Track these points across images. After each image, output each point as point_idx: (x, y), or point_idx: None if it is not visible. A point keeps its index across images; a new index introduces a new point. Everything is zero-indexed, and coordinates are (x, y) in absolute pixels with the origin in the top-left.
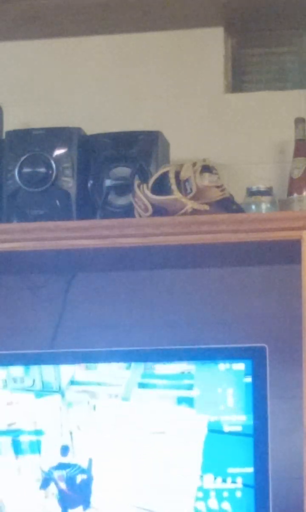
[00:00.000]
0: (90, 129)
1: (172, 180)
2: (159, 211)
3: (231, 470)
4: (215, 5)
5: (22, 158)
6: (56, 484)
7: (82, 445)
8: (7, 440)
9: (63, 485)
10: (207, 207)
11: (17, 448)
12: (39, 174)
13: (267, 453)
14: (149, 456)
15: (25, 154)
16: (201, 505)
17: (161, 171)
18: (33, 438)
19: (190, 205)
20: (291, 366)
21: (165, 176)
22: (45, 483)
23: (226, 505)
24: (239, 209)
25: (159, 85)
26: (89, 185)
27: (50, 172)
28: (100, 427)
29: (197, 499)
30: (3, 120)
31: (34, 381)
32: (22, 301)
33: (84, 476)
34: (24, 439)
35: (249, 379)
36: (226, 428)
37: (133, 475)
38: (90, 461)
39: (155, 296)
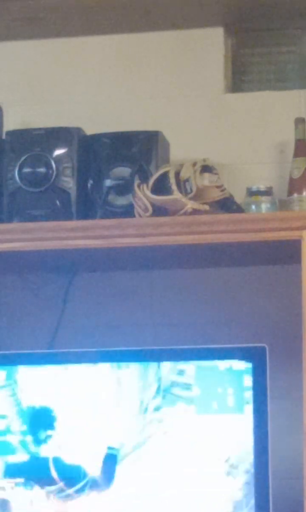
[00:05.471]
0: (90, 129)
1: (172, 180)
2: (158, 211)
3: (231, 470)
4: (215, 5)
5: (22, 158)
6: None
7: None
8: None
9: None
10: (207, 207)
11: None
12: (39, 174)
13: (267, 453)
14: (149, 456)
15: (25, 154)
16: (201, 505)
17: (161, 171)
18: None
19: (190, 205)
20: (291, 366)
21: (165, 176)
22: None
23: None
24: (239, 209)
25: (159, 85)
26: (89, 185)
27: (50, 172)
28: None
29: (198, 499)
30: (3, 120)
31: None
32: (22, 301)
33: None
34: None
35: (249, 379)
36: (226, 428)
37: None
38: None
39: (155, 296)
